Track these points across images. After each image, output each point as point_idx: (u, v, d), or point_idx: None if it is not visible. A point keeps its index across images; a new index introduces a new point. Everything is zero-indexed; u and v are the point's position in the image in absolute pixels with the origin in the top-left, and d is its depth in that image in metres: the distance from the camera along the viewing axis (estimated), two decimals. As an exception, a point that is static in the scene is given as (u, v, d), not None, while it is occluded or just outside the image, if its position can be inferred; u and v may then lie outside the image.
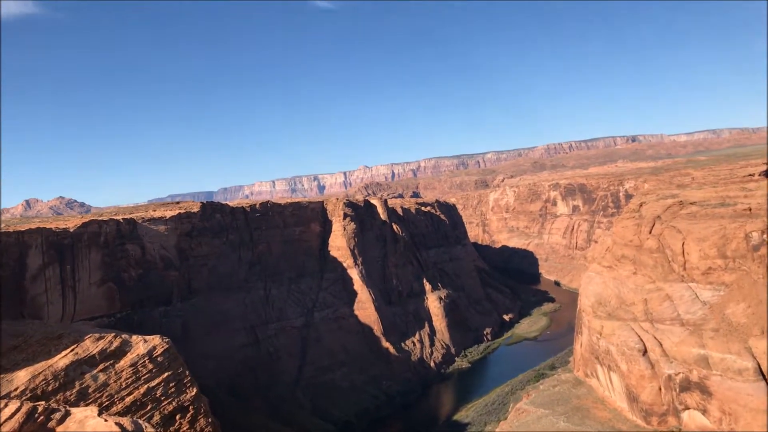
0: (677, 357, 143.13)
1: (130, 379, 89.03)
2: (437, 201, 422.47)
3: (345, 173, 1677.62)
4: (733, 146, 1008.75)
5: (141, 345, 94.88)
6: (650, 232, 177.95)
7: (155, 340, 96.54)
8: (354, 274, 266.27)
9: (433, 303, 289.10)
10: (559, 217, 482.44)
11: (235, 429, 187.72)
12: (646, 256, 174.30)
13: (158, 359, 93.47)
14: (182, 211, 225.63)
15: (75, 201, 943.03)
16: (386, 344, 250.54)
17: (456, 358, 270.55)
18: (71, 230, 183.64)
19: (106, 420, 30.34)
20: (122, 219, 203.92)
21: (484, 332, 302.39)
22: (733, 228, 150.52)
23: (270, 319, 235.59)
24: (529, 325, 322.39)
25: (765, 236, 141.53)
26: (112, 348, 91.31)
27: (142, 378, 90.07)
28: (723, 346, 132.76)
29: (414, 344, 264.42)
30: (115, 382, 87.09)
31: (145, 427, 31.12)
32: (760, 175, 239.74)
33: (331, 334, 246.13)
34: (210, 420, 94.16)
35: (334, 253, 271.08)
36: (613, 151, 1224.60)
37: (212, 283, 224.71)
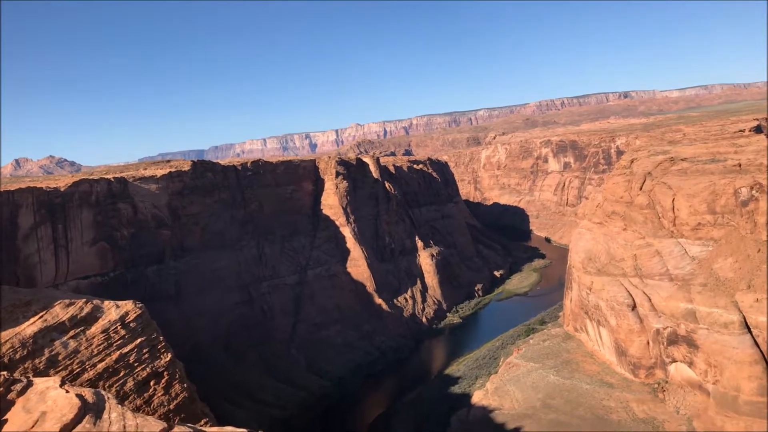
0: (665, 311, 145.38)
1: (102, 346, 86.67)
2: (429, 159, 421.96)
3: (337, 131, 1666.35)
4: (724, 102, 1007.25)
5: (113, 311, 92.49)
6: (641, 189, 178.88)
7: (128, 305, 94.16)
8: (346, 232, 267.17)
9: (425, 260, 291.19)
10: (551, 174, 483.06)
11: (232, 385, 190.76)
12: (637, 212, 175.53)
13: (131, 325, 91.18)
14: (173, 169, 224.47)
15: (65, 160, 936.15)
16: (379, 301, 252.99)
17: (447, 314, 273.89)
18: (62, 190, 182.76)
19: (67, 391, 30.52)
20: (113, 178, 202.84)
21: (476, 288, 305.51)
22: (723, 184, 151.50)
23: (263, 277, 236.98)
24: (520, 281, 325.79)
25: (754, 192, 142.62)
26: (82, 314, 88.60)
27: (115, 344, 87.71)
28: (710, 301, 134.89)
29: (406, 300, 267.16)
30: (86, 348, 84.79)
31: (108, 397, 31.18)
32: (750, 131, 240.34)
33: (324, 291, 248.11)
34: (185, 385, 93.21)
35: (326, 211, 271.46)
36: (605, 107, 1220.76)
37: (205, 241, 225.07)
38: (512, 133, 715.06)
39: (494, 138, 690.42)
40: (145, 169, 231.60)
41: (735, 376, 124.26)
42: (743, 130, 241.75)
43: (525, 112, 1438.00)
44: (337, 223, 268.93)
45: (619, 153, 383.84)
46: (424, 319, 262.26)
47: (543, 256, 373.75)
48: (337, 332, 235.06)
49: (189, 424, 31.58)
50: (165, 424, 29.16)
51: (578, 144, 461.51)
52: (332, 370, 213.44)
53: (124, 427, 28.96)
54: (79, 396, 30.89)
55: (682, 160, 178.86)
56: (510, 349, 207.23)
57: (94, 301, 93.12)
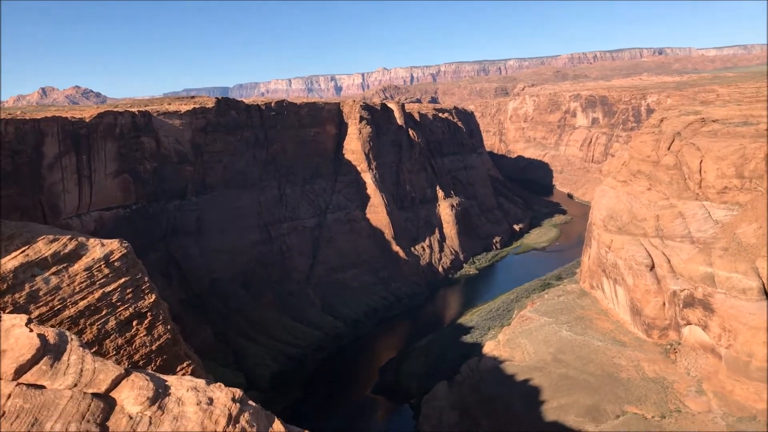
0: (684, 274, 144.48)
1: (84, 284, 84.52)
2: (455, 107, 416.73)
3: (363, 75, 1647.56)
4: (763, 63, 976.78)
5: (98, 249, 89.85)
6: (669, 149, 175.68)
7: (113, 244, 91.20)
8: (367, 178, 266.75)
9: (445, 210, 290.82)
10: (578, 129, 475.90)
11: (248, 321, 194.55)
12: (663, 172, 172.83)
13: (115, 264, 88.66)
14: (197, 106, 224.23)
15: (91, 91, 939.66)
16: (396, 248, 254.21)
17: (464, 265, 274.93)
18: (87, 120, 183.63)
19: (31, 330, 30.18)
20: (137, 111, 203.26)
21: (494, 241, 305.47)
22: (754, 148, 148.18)
23: (283, 218, 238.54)
24: (539, 236, 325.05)
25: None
26: (66, 251, 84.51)
27: (98, 283, 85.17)
28: (730, 265, 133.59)
29: (424, 249, 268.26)
30: (68, 285, 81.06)
31: (71, 339, 30.70)
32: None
33: (342, 235, 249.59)
34: (169, 327, 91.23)
35: (348, 156, 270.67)
36: (638, 63, 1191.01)
37: (227, 179, 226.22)
38: (541, 85, 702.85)
39: (523, 89, 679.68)
40: (170, 104, 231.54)
41: (749, 341, 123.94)
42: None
43: (556, 64, 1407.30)
44: (358, 168, 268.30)
45: (650, 111, 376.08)
46: (440, 269, 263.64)
47: (564, 212, 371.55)
48: (353, 276, 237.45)
49: (149, 372, 30.92)
50: (122, 370, 28.39)
51: (608, 100, 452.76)
52: (347, 312, 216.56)
53: (81, 371, 28.32)
54: (41, 336, 30.23)
55: (713, 121, 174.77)
56: (524, 302, 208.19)
57: (79, 238, 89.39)
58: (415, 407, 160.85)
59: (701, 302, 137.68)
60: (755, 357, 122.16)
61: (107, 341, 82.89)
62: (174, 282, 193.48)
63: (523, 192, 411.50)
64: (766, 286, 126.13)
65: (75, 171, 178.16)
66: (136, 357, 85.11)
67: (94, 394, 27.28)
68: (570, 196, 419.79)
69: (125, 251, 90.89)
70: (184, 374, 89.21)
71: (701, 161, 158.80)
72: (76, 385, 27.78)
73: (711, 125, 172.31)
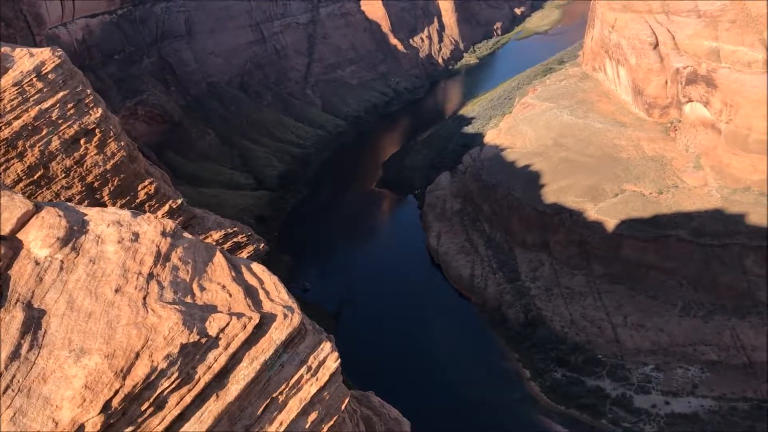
0: (688, 50, 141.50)
1: (16, 101, 71.96)
2: None
3: None
4: None
5: (26, 60, 75.79)
6: None
7: (44, 53, 77.09)
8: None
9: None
10: None
11: (250, 124, 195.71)
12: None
13: (49, 77, 75.09)
14: None
15: None
16: (394, 41, 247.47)
17: (464, 54, 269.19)
18: None
19: None
20: None
21: (494, 27, 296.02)
22: None
23: (275, 16, 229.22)
24: (541, 19, 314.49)
25: None
26: None
27: (31, 99, 71.90)
28: (737, 38, 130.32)
29: (422, 40, 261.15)
30: None
31: None
32: None
33: (337, 31, 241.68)
34: (122, 143, 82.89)
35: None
36: None
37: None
38: None
39: None
40: None
41: (750, 114, 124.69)
42: None
43: None
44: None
45: None
46: (440, 60, 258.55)
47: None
48: (351, 73, 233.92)
49: (68, 205, 25.73)
50: (31, 206, 24.30)
51: None
52: (347, 110, 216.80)
53: None
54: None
55: None
56: (526, 89, 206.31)
57: (2, 49, 77.81)
58: (419, 197, 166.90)
59: (704, 78, 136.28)
60: (755, 130, 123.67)
61: (53, 163, 73.82)
62: (171, 88, 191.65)
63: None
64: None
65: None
66: (90, 178, 76.81)
67: (-4, 237, 22.64)
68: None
69: (59, 61, 76.79)
70: (146, 192, 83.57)
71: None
72: None
73: None
